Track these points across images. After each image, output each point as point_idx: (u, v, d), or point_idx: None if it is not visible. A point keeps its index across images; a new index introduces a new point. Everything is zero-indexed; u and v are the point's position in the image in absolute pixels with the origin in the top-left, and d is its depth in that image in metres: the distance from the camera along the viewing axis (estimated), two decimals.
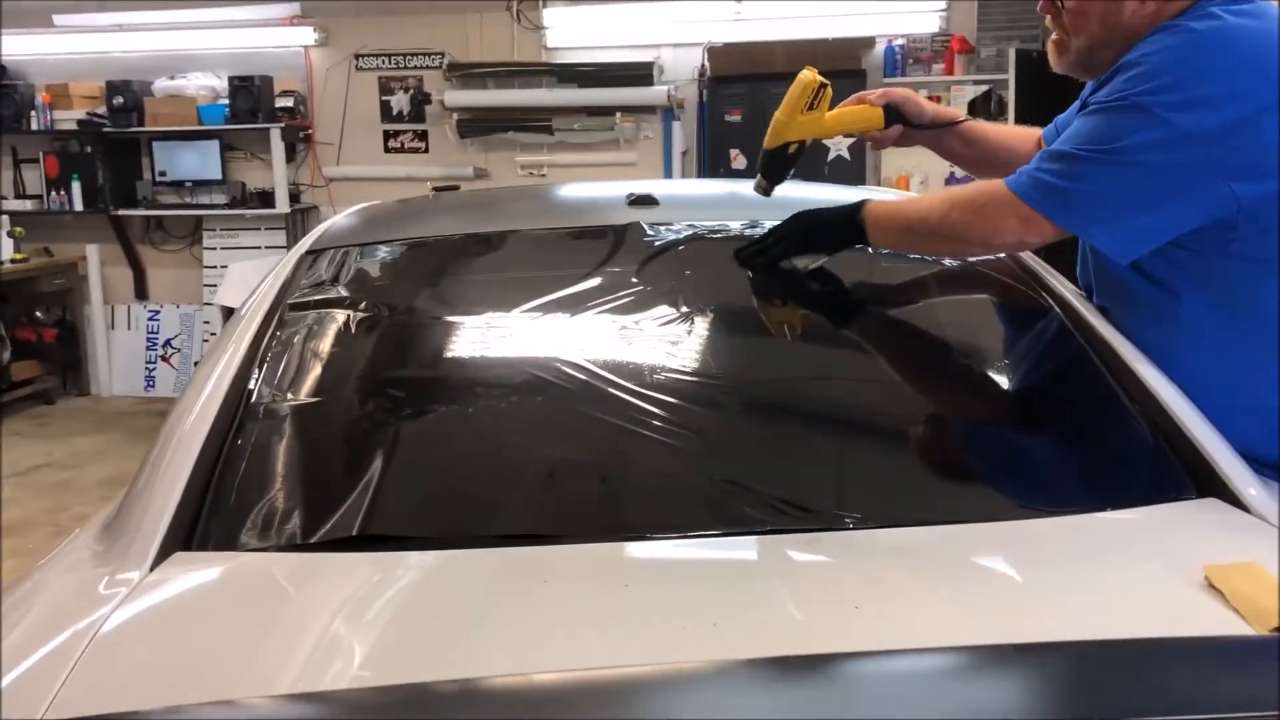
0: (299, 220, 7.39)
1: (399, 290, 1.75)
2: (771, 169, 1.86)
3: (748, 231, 1.93)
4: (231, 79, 7.19)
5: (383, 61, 7.36)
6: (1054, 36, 1.70)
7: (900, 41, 6.90)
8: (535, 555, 1.22)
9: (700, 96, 7.02)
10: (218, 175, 7.39)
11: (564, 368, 1.49)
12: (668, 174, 7.12)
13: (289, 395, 1.48)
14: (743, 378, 1.56)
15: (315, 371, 1.56)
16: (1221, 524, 1.28)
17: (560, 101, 7.05)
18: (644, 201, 2.09)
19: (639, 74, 6.96)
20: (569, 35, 7.10)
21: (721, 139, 6.92)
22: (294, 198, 7.42)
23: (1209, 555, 1.15)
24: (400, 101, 7.37)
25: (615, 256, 1.82)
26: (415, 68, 7.32)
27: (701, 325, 1.62)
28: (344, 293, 1.73)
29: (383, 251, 1.92)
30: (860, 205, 1.71)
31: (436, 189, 2.65)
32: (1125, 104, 1.51)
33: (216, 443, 1.38)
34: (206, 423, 1.41)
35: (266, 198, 7.36)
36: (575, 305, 1.65)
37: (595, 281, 1.72)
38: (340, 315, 1.66)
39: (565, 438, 1.42)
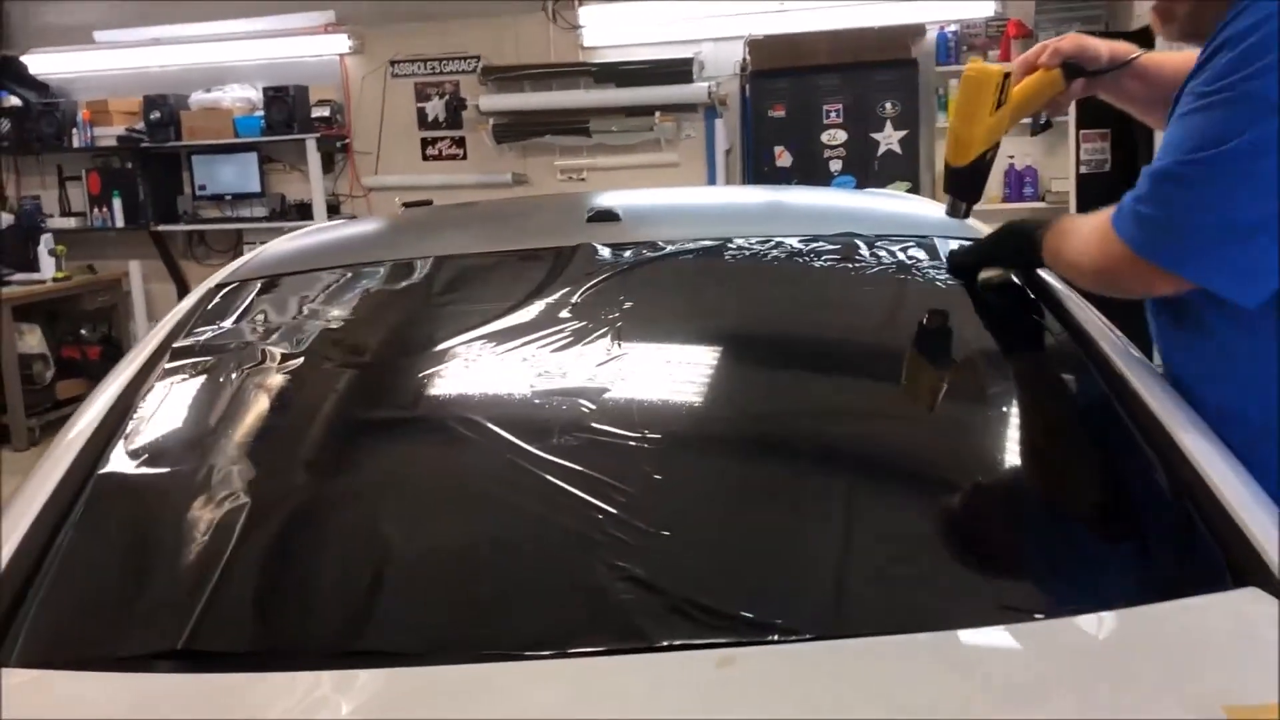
0: None
1: (301, 331, 1.52)
2: (965, 187, 1.59)
3: (721, 249, 1.67)
4: (266, 90, 7.09)
5: (418, 67, 7.20)
6: (1156, 3, 1.42)
7: (953, 28, 6.54)
8: (389, 680, 0.98)
9: (742, 92, 6.73)
10: (257, 188, 7.31)
11: (464, 431, 1.26)
12: (711, 174, 6.86)
13: (145, 465, 1.26)
14: (680, 439, 1.30)
15: (182, 434, 1.34)
16: (1259, 629, 0.99)
17: (597, 102, 6.82)
18: (604, 217, 1.85)
19: (678, 71, 6.70)
20: (605, 34, 6.86)
21: (766, 136, 6.63)
22: (333, 209, 7.31)
23: (1235, 682, 0.87)
24: (436, 108, 7.20)
25: (553, 285, 1.57)
26: (451, 73, 7.15)
27: (637, 371, 1.37)
28: (240, 335, 1.51)
29: (296, 283, 1.70)
30: (1049, 222, 1.48)
31: (406, 204, 2.45)
32: (1231, 94, 1.20)
33: (46, 528, 1.17)
34: (37, 501, 1.20)
35: (306, 209, 7.25)
36: (491, 349, 1.41)
37: (522, 317, 1.48)
38: (227, 363, 1.44)
39: (455, 526, 1.18)
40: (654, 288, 1.60)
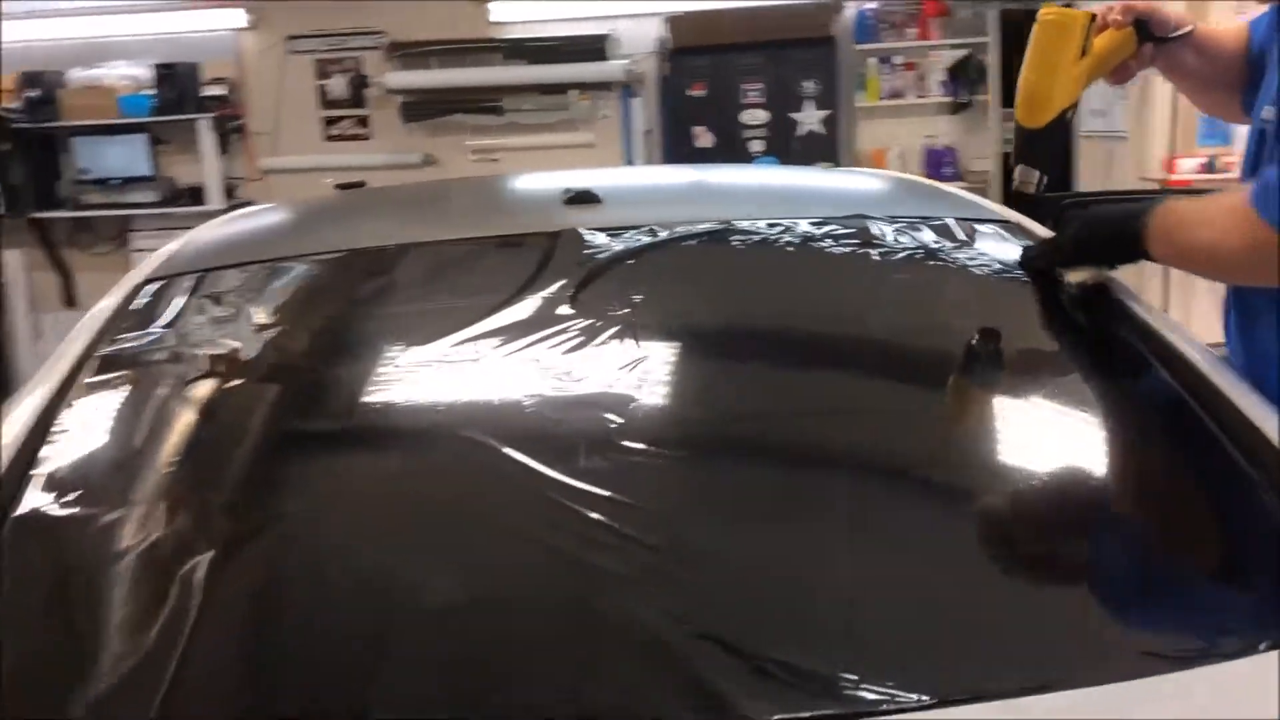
0: None
1: (253, 336, 1.29)
2: (1040, 154, 1.38)
3: (726, 233, 1.48)
4: (156, 66, 6.65)
5: (319, 43, 6.85)
6: None
7: (871, 6, 6.46)
8: None
9: (660, 70, 6.55)
10: (146, 171, 6.87)
11: (472, 458, 1.05)
12: (629, 155, 6.66)
13: (71, 505, 1.03)
14: (720, 464, 1.11)
15: (115, 463, 1.11)
16: None
17: (510, 80, 6.57)
18: (584, 199, 1.65)
19: (593, 48, 6.49)
20: (516, 9, 6.61)
21: (685, 116, 6.46)
22: (229, 192, 6.92)
23: None
24: (338, 86, 6.86)
25: (542, 277, 1.37)
26: (354, 49, 6.82)
27: (666, 376, 1.18)
28: (177, 340, 1.28)
29: (240, 278, 1.47)
30: (1147, 211, 1.26)
31: (339, 186, 2.22)
32: None
33: None
34: None
35: (199, 194, 6.85)
36: (487, 353, 1.21)
37: (511, 316, 1.28)
38: (165, 375, 1.22)
39: (472, 573, 0.96)
40: (665, 278, 1.42)
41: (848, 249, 1.44)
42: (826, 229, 1.50)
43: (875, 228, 1.51)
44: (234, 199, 6.92)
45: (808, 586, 0.92)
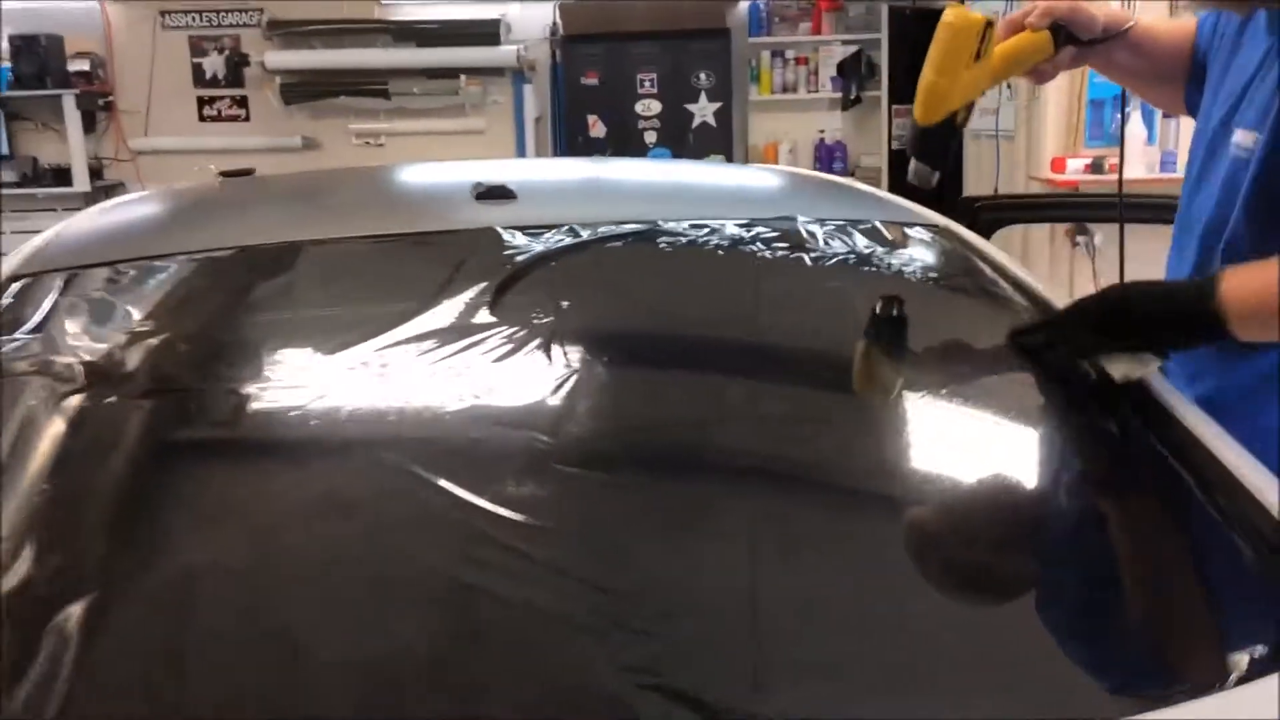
0: (102, 199, 6.51)
1: (135, 344, 1.15)
2: (934, 150, 1.34)
3: (654, 237, 1.40)
4: (12, 38, 6.25)
5: (193, 19, 6.53)
6: None
7: None
8: None
9: (553, 58, 6.44)
10: (3, 149, 6.47)
11: (384, 482, 0.95)
12: (520, 142, 6.54)
13: None
14: (657, 486, 1.02)
15: None
16: None
17: (397, 63, 6.38)
18: (496, 194, 1.55)
19: (483, 32, 6.34)
20: None
21: (578, 104, 6.36)
22: (96, 173, 6.56)
23: None
24: (215, 64, 6.56)
25: (458, 280, 1.27)
26: (231, 25, 6.52)
27: (591, 392, 1.09)
28: (48, 348, 1.14)
29: (116, 277, 1.32)
30: (1212, 286, 1.10)
31: (225, 174, 2.06)
32: None
33: None
34: None
35: (64, 174, 6.48)
36: (398, 367, 1.09)
37: (426, 323, 1.17)
38: (34, 388, 1.07)
39: (387, 618, 0.86)
40: (592, 282, 1.32)
41: (778, 254, 1.37)
42: (755, 231, 1.43)
43: (805, 230, 1.44)
44: (102, 180, 6.57)
45: (762, 628, 0.84)
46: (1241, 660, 0.85)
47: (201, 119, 6.68)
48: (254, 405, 1.08)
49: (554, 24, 6.35)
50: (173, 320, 1.21)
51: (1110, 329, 1.14)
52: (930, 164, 1.35)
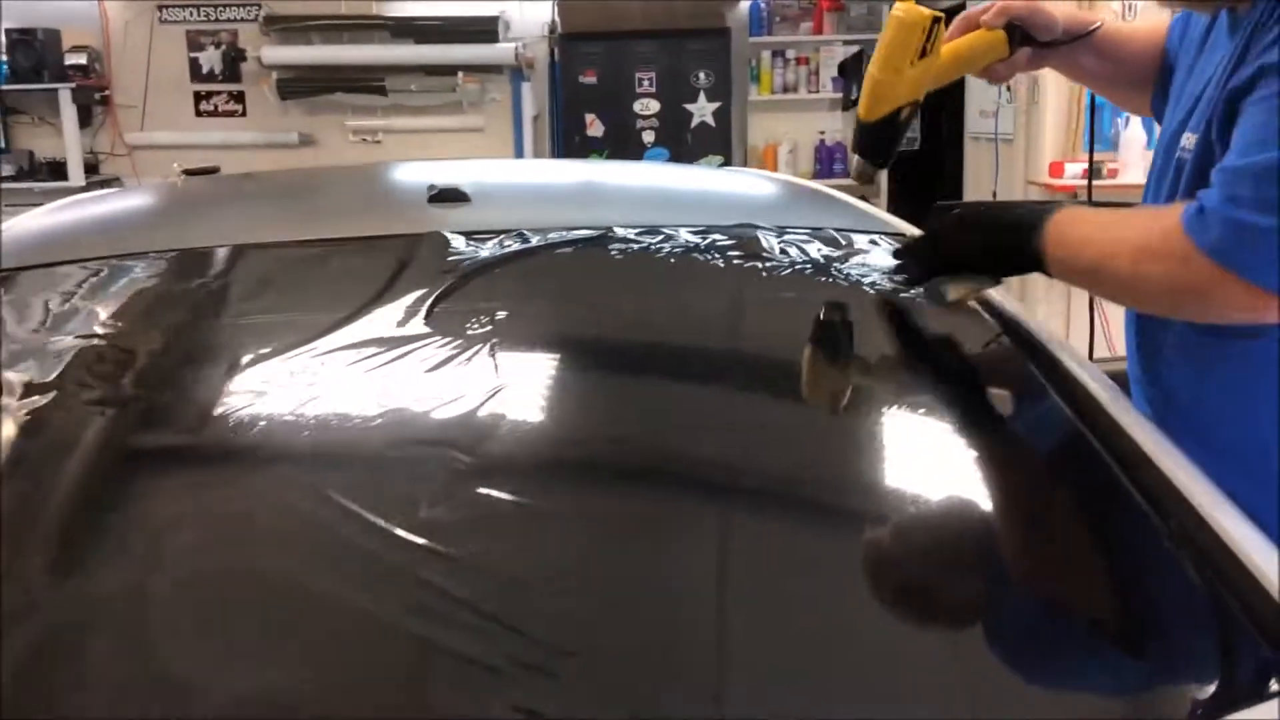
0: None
1: (54, 352, 1.10)
2: (876, 146, 1.31)
3: (605, 244, 1.35)
4: (9, 32, 6.23)
5: (190, 13, 6.50)
6: None
7: None
8: None
9: (551, 56, 6.39)
10: None
11: (296, 507, 0.89)
12: (518, 140, 6.49)
13: None
14: (589, 513, 0.97)
15: None
16: None
17: (394, 59, 6.34)
18: (450, 197, 1.50)
19: (482, 29, 6.29)
20: None
21: (576, 102, 6.31)
22: (92, 168, 6.53)
23: None
24: (211, 59, 6.53)
25: (395, 287, 1.22)
26: (228, 20, 6.49)
27: (522, 408, 1.04)
28: None
29: (46, 281, 1.27)
30: (1042, 217, 1.14)
31: (188, 172, 2.02)
32: None
33: None
34: None
35: (60, 168, 6.45)
36: (321, 382, 1.04)
37: (353, 334, 1.12)
38: None
39: (294, 653, 0.81)
40: (535, 291, 1.27)
41: (732, 262, 1.32)
42: (711, 239, 1.38)
43: (763, 239, 1.39)
44: (98, 175, 6.54)
45: (686, 670, 0.79)
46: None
47: (198, 114, 6.64)
48: (153, 416, 1.03)
49: (553, 22, 6.30)
50: (88, 326, 1.16)
51: (951, 253, 1.20)
52: (873, 161, 1.32)
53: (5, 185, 6.38)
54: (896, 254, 1.29)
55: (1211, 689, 0.82)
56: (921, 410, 1.15)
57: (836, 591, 0.89)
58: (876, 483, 1.04)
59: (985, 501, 1.04)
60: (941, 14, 1.24)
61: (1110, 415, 1.09)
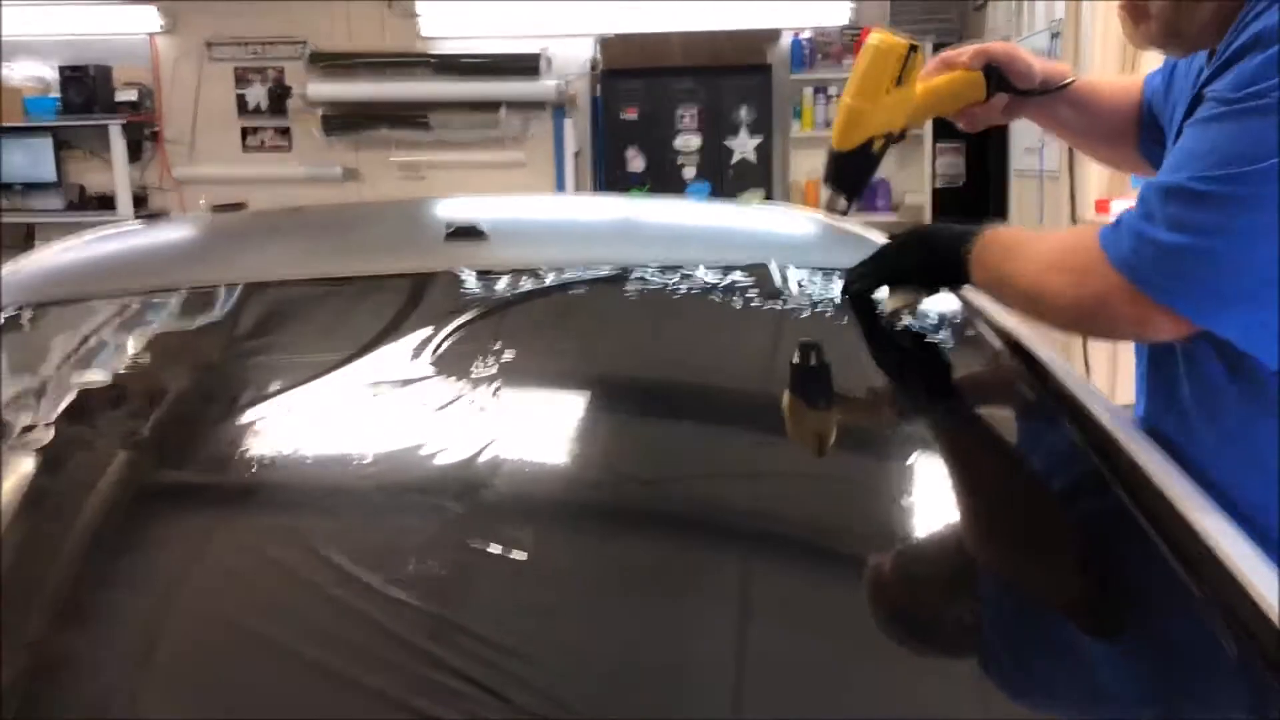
0: None
1: (55, 390, 1.08)
2: (848, 177, 1.30)
3: (620, 283, 1.32)
4: (63, 69, 6.36)
5: (238, 50, 6.59)
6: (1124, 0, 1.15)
7: (807, 35, 6.38)
8: None
9: (593, 92, 6.41)
10: (52, 176, 6.56)
11: (236, 551, 0.86)
12: (559, 175, 6.51)
13: None
14: (591, 575, 0.92)
15: None
16: None
17: (438, 95, 6.39)
18: (466, 234, 1.47)
19: (525, 66, 6.33)
20: (446, 23, 6.41)
21: (617, 138, 6.32)
22: (140, 201, 6.63)
23: None
24: (258, 95, 6.61)
25: (403, 327, 1.19)
26: (275, 58, 6.58)
27: (526, 456, 1.00)
28: None
29: (57, 317, 1.26)
30: (974, 233, 1.18)
31: (216, 208, 2.01)
32: (1267, 100, 0.96)
33: None
34: None
35: (109, 201, 6.56)
36: (302, 423, 1.01)
37: (354, 375, 1.09)
38: None
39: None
40: (545, 333, 1.24)
41: (750, 304, 1.28)
42: (730, 279, 1.34)
43: (780, 277, 1.35)
44: (146, 208, 6.64)
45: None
46: None
47: (245, 149, 6.73)
48: (148, 455, 1.01)
49: (594, 58, 6.32)
50: (96, 364, 1.14)
51: (894, 267, 1.26)
52: (844, 192, 1.31)
53: (55, 219, 6.49)
54: (849, 274, 1.32)
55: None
56: (935, 449, 1.12)
57: (853, 653, 0.84)
58: (890, 526, 1.00)
59: (1001, 543, 0.99)
60: (918, 44, 1.24)
61: (1129, 454, 1.04)
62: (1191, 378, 1.13)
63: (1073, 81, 1.38)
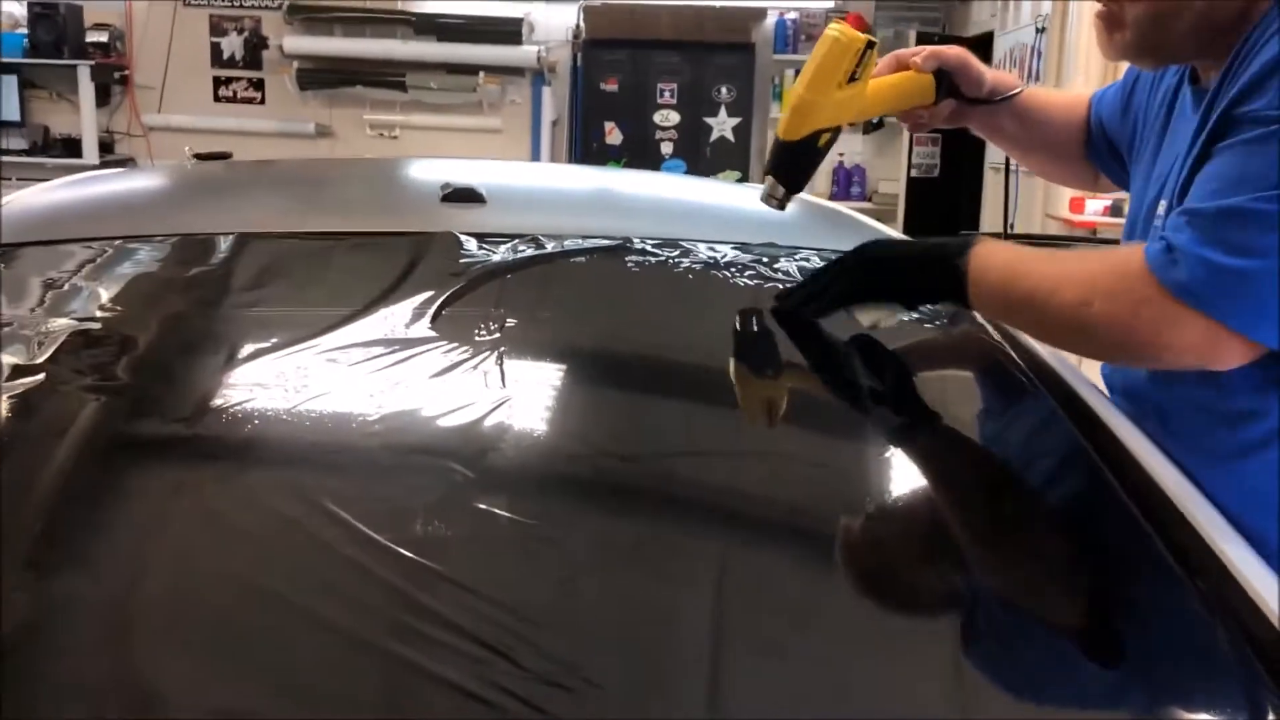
0: None
1: (42, 335, 1.05)
2: (791, 170, 1.27)
3: (622, 255, 1.30)
4: (32, 5, 6.22)
5: None
6: (1100, 7, 1.13)
7: (793, 16, 6.37)
8: None
9: (574, 60, 6.36)
10: (15, 116, 6.42)
11: (283, 516, 0.84)
12: (535, 144, 6.46)
13: None
14: (596, 537, 0.91)
15: None
16: None
17: (416, 55, 6.31)
18: (463, 197, 1.45)
19: (506, 30, 6.27)
20: None
21: (596, 109, 6.28)
22: (106, 147, 6.51)
23: None
24: (233, 44, 6.50)
25: (401, 288, 1.17)
26: (252, 7, 6.47)
27: (529, 421, 0.99)
28: None
29: (41, 259, 1.23)
30: (964, 247, 1.13)
31: (198, 156, 1.97)
32: None
33: None
34: None
35: (73, 146, 6.43)
36: (301, 383, 0.99)
37: (353, 334, 1.06)
38: None
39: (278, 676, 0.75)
40: (548, 300, 1.22)
41: (748, 282, 1.27)
42: (729, 256, 1.33)
43: (782, 259, 1.34)
44: (113, 154, 6.52)
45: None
46: None
47: (216, 99, 6.62)
48: (140, 405, 0.98)
49: (577, 27, 6.27)
50: (82, 309, 1.11)
51: (865, 281, 1.19)
52: (785, 184, 1.28)
53: (18, 159, 6.36)
54: (802, 284, 1.24)
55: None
56: (927, 435, 1.11)
57: (849, 622, 0.84)
58: (886, 508, 1.00)
59: (991, 531, 0.99)
60: (875, 40, 1.22)
61: (1125, 446, 1.05)
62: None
63: (1020, 92, 1.37)
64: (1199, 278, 0.97)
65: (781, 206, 1.29)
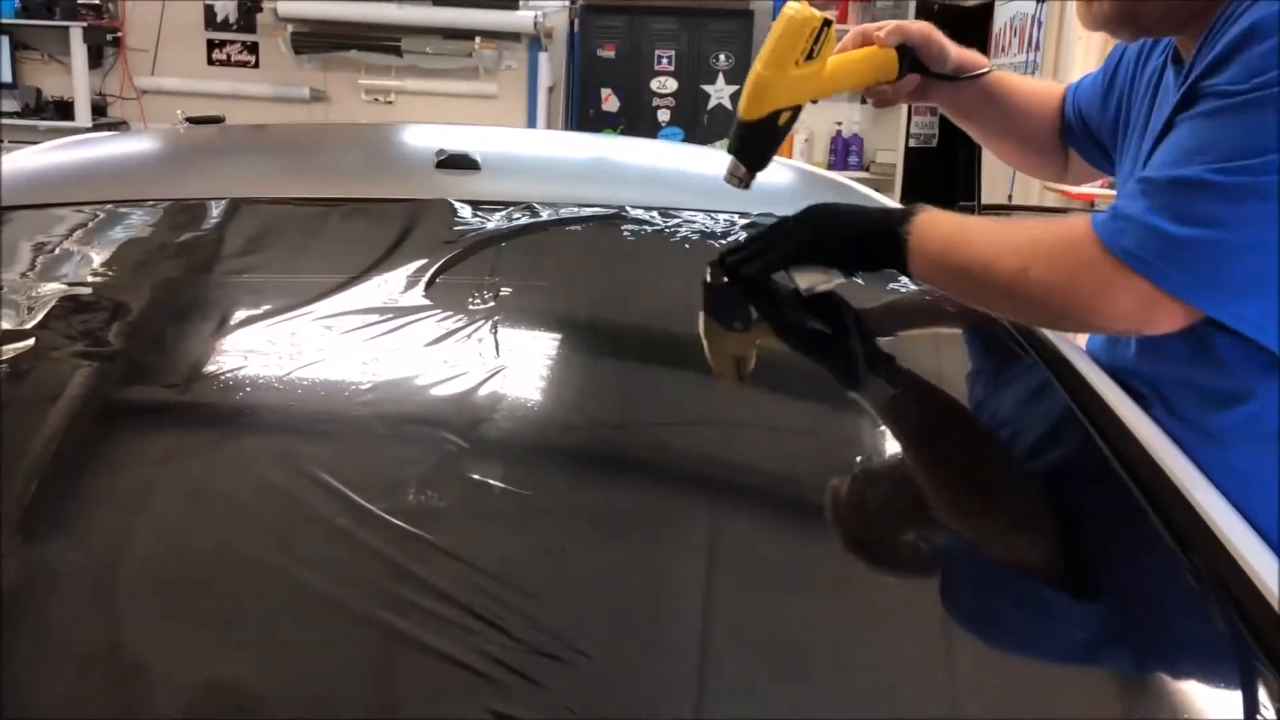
0: None
1: (31, 299, 1.04)
2: (752, 149, 1.26)
3: (618, 224, 1.29)
4: None
5: None
6: None
7: None
8: None
9: (571, 26, 6.31)
10: (6, 77, 6.36)
11: (271, 485, 0.84)
12: (531, 110, 6.42)
13: None
14: (579, 512, 0.91)
15: None
16: None
17: (411, 20, 6.25)
18: (459, 163, 1.44)
19: None
20: None
21: (593, 76, 6.24)
22: (99, 110, 6.46)
23: None
24: (227, 7, 6.44)
25: (395, 255, 1.16)
26: None
27: (524, 390, 0.98)
28: None
29: (30, 222, 1.22)
30: (907, 215, 1.14)
31: (190, 120, 1.95)
32: (1273, 92, 0.95)
33: None
34: None
35: (65, 108, 6.38)
36: (294, 350, 0.98)
37: (347, 301, 1.06)
38: None
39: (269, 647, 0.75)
40: (543, 268, 1.22)
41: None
42: (726, 224, 1.32)
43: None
44: (105, 117, 6.47)
45: (676, 684, 0.74)
46: None
47: (210, 62, 6.56)
48: (131, 371, 0.98)
49: None
50: (74, 274, 1.10)
51: (807, 244, 1.19)
52: (746, 163, 1.27)
53: (9, 121, 6.31)
54: (744, 243, 1.23)
55: (1215, 707, 0.78)
56: (925, 405, 1.11)
57: (845, 590, 0.84)
58: (880, 477, 1.00)
59: (992, 510, 0.99)
60: (831, 19, 1.21)
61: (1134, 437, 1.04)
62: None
63: (988, 72, 1.36)
64: (1145, 244, 0.99)
65: (745, 186, 1.28)
